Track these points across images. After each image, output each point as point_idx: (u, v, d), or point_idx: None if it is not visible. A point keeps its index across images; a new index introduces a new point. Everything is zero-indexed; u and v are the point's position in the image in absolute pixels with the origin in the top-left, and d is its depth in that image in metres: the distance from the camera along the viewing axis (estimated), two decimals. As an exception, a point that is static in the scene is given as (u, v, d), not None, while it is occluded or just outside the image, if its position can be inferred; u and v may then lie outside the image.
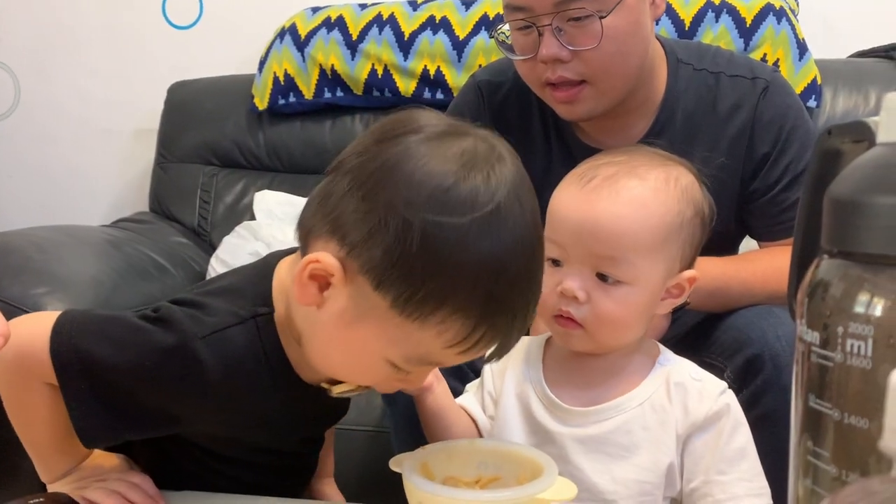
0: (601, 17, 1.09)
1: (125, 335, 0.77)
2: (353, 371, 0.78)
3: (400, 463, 0.79)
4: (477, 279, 0.68)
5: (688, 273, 0.87)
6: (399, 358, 0.73)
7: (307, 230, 0.74)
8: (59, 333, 0.78)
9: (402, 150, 0.69)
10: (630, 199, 0.83)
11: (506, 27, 1.18)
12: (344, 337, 0.73)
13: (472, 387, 0.96)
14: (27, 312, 1.30)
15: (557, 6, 1.09)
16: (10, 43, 2.43)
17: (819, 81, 1.80)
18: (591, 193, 0.83)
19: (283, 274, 0.81)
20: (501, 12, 1.18)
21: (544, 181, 0.98)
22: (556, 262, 0.85)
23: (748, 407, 0.91)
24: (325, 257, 0.70)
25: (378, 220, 0.67)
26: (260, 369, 0.79)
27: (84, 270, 1.62)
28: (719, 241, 0.99)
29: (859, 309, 0.45)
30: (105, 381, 0.77)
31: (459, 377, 1.02)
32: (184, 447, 0.88)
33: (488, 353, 0.75)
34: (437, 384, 0.90)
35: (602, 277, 0.83)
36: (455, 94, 1.42)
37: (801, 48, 1.79)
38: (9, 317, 0.76)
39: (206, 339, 0.76)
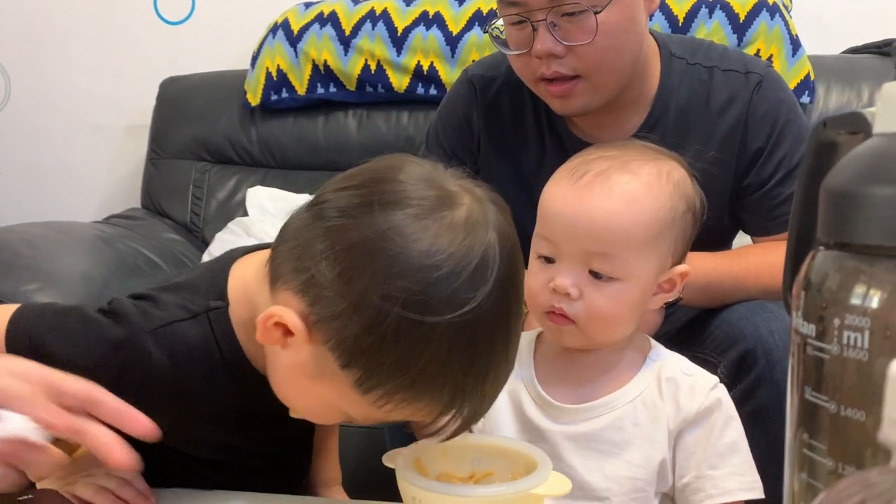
0: (596, 13, 1.08)
1: (78, 327, 0.77)
2: (309, 412, 0.77)
3: (393, 459, 0.78)
4: (448, 374, 0.67)
5: (679, 268, 0.86)
6: (357, 416, 0.73)
7: (277, 274, 0.71)
8: (16, 325, 0.77)
9: (387, 230, 0.65)
10: (622, 194, 0.82)
11: (500, 22, 1.17)
12: (302, 384, 0.72)
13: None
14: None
15: (552, 1, 1.08)
16: (1, 38, 2.41)
17: (812, 77, 1.80)
18: (583, 189, 0.83)
19: (246, 271, 0.80)
20: (495, 7, 1.17)
21: (537, 176, 0.98)
22: (548, 259, 0.84)
23: (742, 402, 0.91)
24: (290, 316, 0.68)
25: (353, 303, 0.65)
26: (213, 364, 0.78)
27: (75, 267, 1.61)
28: (712, 237, 0.99)
29: (856, 301, 0.45)
30: None
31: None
32: (153, 445, 0.87)
33: (453, 429, 0.73)
34: None
35: (594, 274, 0.82)
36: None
37: (795, 44, 1.79)
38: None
39: (153, 333, 0.76)
